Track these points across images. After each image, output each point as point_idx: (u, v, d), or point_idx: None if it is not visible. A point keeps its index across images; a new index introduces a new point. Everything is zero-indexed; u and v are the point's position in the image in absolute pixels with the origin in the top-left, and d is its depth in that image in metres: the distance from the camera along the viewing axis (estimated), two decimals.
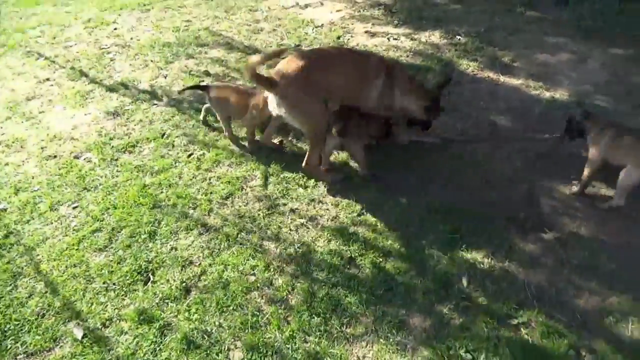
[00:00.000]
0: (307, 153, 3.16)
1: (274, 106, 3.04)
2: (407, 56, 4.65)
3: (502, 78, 4.26)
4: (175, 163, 3.42)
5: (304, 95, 2.97)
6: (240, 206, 3.09)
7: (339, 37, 5.05)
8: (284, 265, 2.70)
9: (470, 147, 3.50)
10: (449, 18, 5.27)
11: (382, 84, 3.20)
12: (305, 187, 3.21)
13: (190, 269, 2.70)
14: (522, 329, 2.36)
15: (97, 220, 2.98)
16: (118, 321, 2.44)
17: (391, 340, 2.31)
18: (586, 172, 3.01)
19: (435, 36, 4.96)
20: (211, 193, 3.17)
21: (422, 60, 4.54)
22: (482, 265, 2.68)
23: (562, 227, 2.89)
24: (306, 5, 5.87)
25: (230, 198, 3.15)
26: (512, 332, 2.34)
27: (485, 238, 2.83)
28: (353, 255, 2.74)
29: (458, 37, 4.90)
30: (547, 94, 4.02)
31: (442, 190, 3.15)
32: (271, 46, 4.94)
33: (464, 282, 2.58)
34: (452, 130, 3.65)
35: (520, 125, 3.68)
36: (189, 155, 3.49)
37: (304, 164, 3.18)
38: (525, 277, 2.61)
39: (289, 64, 3.01)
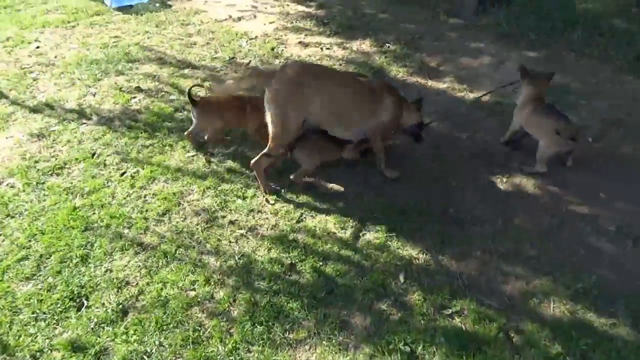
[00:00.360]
0: (261, 153, 3.14)
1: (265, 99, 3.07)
2: (340, 65, 4.78)
3: (429, 82, 4.49)
4: (107, 183, 3.31)
5: (288, 100, 3.00)
6: (177, 222, 3.04)
7: (273, 49, 5.11)
8: (225, 278, 2.68)
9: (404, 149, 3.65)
10: (377, 27, 5.48)
11: (392, 103, 3.25)
12: (244, 198, 3.21)
13: (127, 289, 2.61)
14: (456, 318, 2.48)
15: (23, 248, 2.82)
16: (49, 351, 2.32)
17: (333, 341, 2.36)
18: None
19: (365, 44, 5.14)
20: (147, 211, 3.10)
21: (354, 68, 4.69)
22: (417, 261, 2.80)
23: (490, 219, 3.08)
24: (239, 18, 5.89)
25: (167, 214, 3.09)
26: (447, 321, 2.46)
27: (420, 235, 2.96)
28: (294, 262, 2.77)
29: (387, 44, 5.11)
30: (471, 96, 4.28)
31: (378, 192, 3.26)
32: (204, 60, 4.91)
33: (401, 278, 2.68)
34: None
35: (447, 125, 3.88)
36: (122, 174, 3.38)
37: (252, 162, 3.18)
38: (457, 269, 2.75)
39: (293, 66, 3.29)
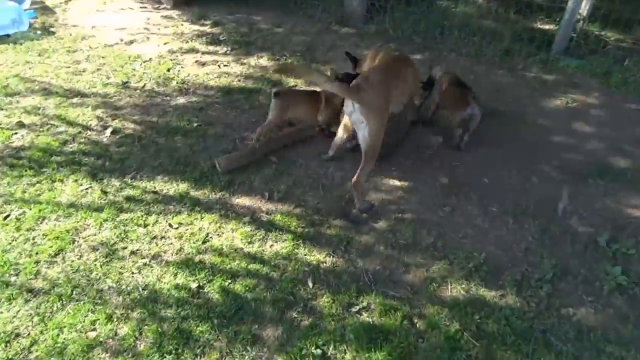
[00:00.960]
0: (360, 169, 3.15)
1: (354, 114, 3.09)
2: (239, 80, 4.79)
3: None
4: None
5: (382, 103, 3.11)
6: (73, 261, 2.86)
7: (168, 70, 5.01)
8: (129, 312, 2.56)
9: (300, 161, 3.74)
10: (273, 41, 5.58)
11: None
12: (146, 226, 3.10)
13: (18, 342, 2.40)
14: (363, 313, 2.59)
15: None
16: None
17: (246, 357, 2.35)
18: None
19: (263, 59, 5.21)
20: (37, 253, 2.88)
21: (252, 83, 4.73)
22: (324, 265, 2.88)
23: (389, 214, 3.25)
24: (131, 41, 5.69)
25: (61, 254, 2.89)
26: (355, 318, 2.55)
27: (326, 239, 3.05)
28: (201, 284, 2.72)
29: (284, 57, 5.21)
30: None
31: (282, 201, 3.31)
32: (95, 87, 4.69)
33: (310, 284, 2.74)
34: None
35: None
36: (5, 217, 3.12)
37: (353, 180, 3.15)
38: (362, 266, 2.87)
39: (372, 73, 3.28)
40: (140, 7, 6.62)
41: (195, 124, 4.12)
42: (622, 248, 2.95)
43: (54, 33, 5.89)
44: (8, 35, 5.70)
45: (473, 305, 2.63)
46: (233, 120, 4.18)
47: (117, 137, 3.95)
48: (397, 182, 3.52)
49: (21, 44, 5.52)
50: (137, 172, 3.54)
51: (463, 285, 2.76)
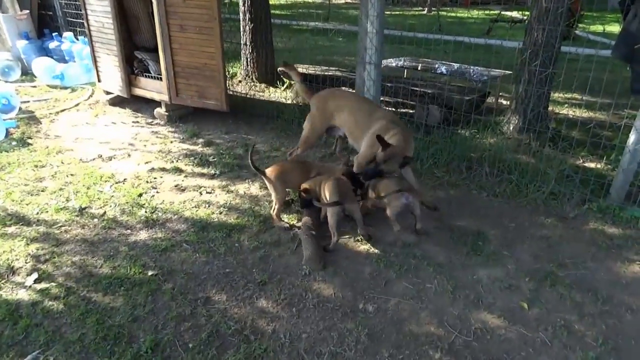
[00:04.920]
0: None
1: None
2: (220, 213, 3.89)
3: None
4: None
5: None
6: None
7: (140, 195, 4.17)
8: None
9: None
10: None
11: None
12: None
13: None
14: None
15: None
16: None
17: None
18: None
19: (254, 187, 4.37)
20: None
21: (236, 217, 3.82)
22: None
23: None
24: (110, 157, 5.00)
25: None
26: None
27: None
28: None
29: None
30: None
31: None
32: (46, 211, 3.82)
33: None
34: None
35: None
36: None
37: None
38: None
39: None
40: (133, 122, 6.09)
41: (149, 273, 3.12)
42: None
43: (29, 145, 5.28)
44: None
45: None
46: (200, 269, 3.17)
47: (40, 287, 2.94)
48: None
49: None
50: (44, 351, 2.45)
51: None
